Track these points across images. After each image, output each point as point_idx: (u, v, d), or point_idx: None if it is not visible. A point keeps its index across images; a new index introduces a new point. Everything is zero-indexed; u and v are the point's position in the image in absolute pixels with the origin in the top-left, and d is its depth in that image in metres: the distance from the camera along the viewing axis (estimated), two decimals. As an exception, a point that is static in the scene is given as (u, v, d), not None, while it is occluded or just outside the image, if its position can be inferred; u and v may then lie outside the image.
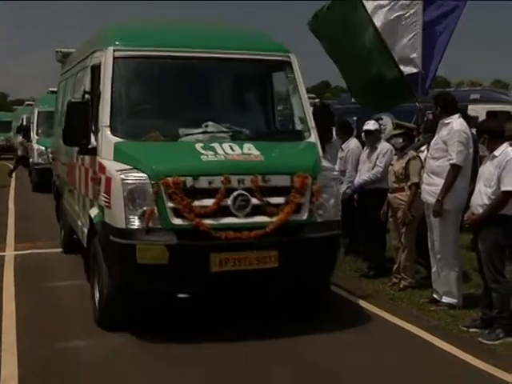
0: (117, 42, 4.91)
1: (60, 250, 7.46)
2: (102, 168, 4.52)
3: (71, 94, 6.44)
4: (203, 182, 4.16)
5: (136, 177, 4.15)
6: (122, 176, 4.13)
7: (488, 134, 4.65)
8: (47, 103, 13.36)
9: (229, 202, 4.16)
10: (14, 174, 17.30)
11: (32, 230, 9.07)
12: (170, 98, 5.13)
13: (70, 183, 6.53)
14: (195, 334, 4.46)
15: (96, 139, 4.75)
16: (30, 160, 14.17)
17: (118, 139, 4.52)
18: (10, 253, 7.63)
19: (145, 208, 4.09)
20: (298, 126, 5.22)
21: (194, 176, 4.15)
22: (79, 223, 5.78)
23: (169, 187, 4.04)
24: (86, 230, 5.20)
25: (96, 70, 5.01)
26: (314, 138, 5.00)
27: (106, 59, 4.75)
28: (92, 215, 4.70)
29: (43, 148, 12.71)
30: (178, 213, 4.09)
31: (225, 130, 4.82)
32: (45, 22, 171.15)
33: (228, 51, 5.09)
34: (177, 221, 4.10)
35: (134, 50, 4.92)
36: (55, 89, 15.60)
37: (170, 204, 4.08)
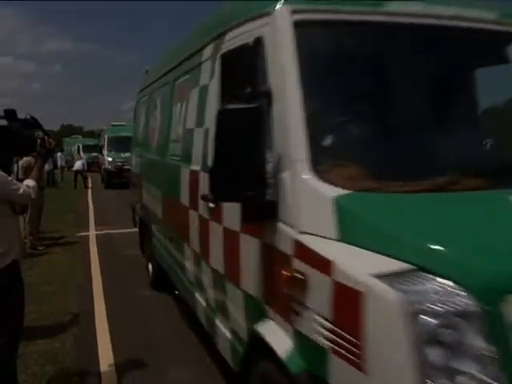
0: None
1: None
2: (314, 259, 1.93)
3: (165, 108, 4.86)
4: None
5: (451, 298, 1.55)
6: (401, 294, 1.54)
7: None
8: (112, 132, 21.64)
9: None
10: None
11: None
12: (410, 97, 2.50)
13: (181, 241, 4.17)
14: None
15: (278, 187, 2.20)
16: (103, 166, 21.51)
17: (339, 190, 1.99)
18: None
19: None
20: None
21: None
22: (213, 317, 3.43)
23: None
24: (237, 345, 2.90)
25: (243, 56, 2.56)
26: None
27: (276, 28, 2.33)
28: (279, 351, 2.16)
29: (111, 159, 20.20)
30: None
31: None
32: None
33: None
34: None
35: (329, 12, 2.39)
36: (117, 123, 23.14)
37: None
